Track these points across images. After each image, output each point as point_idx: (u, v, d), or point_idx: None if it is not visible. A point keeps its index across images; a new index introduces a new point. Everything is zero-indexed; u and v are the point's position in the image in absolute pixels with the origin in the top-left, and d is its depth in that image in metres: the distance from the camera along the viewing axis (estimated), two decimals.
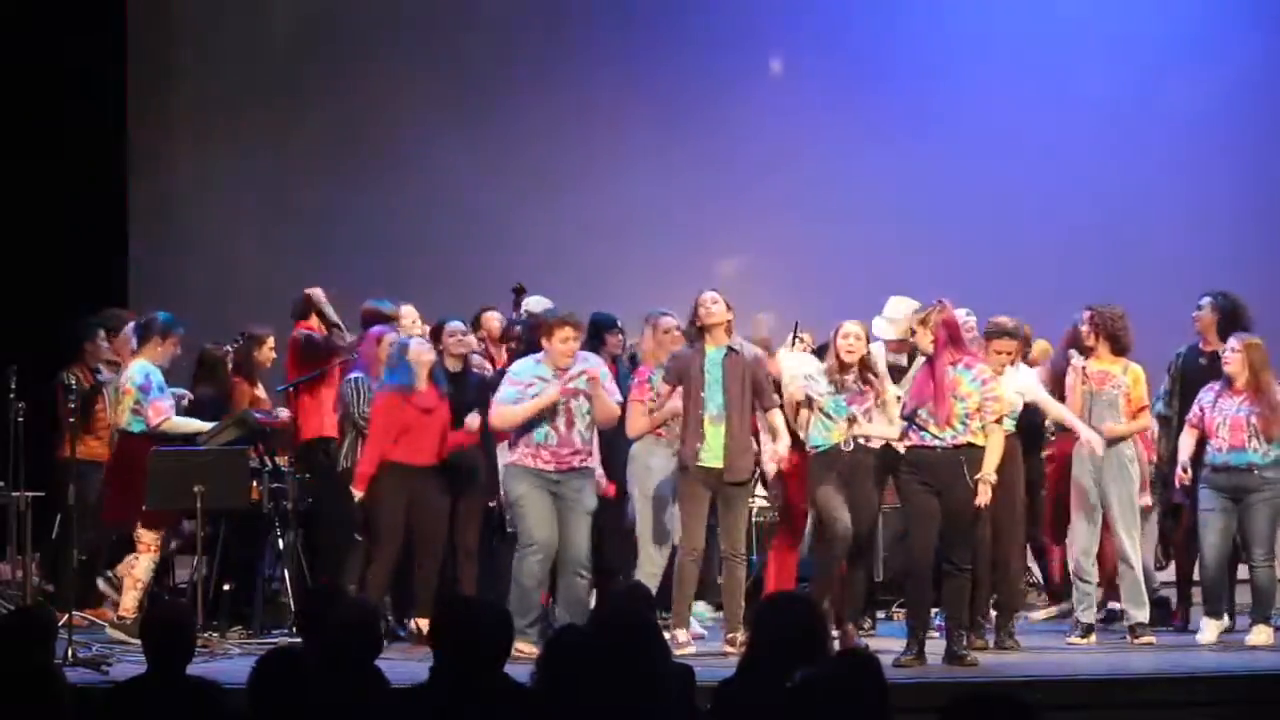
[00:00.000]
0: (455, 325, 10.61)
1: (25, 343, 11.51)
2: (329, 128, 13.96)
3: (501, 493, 10.12)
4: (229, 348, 11.23)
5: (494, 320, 11.39)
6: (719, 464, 9.64)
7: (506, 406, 9.78)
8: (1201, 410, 10.02)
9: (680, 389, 9.68)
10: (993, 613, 10.19)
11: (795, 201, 13.95)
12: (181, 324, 10.56)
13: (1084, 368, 10.05)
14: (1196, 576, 10.34)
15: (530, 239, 13.58)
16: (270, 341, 11.26)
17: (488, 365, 10.94)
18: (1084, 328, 10.15)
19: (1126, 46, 14.13)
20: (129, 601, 10.16)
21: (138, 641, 9.88)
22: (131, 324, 10.82)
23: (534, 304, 11.31)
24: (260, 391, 11.17)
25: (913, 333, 9.47)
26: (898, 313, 10.05)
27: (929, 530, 9.23)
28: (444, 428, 10.15)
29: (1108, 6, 14.23)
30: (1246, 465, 9.87)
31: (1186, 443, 10.03)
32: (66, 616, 9.47)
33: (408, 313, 11.01)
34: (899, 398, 9.42)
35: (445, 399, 10.17)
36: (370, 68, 14.04)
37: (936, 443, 9.18)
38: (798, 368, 10.08)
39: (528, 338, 10.56)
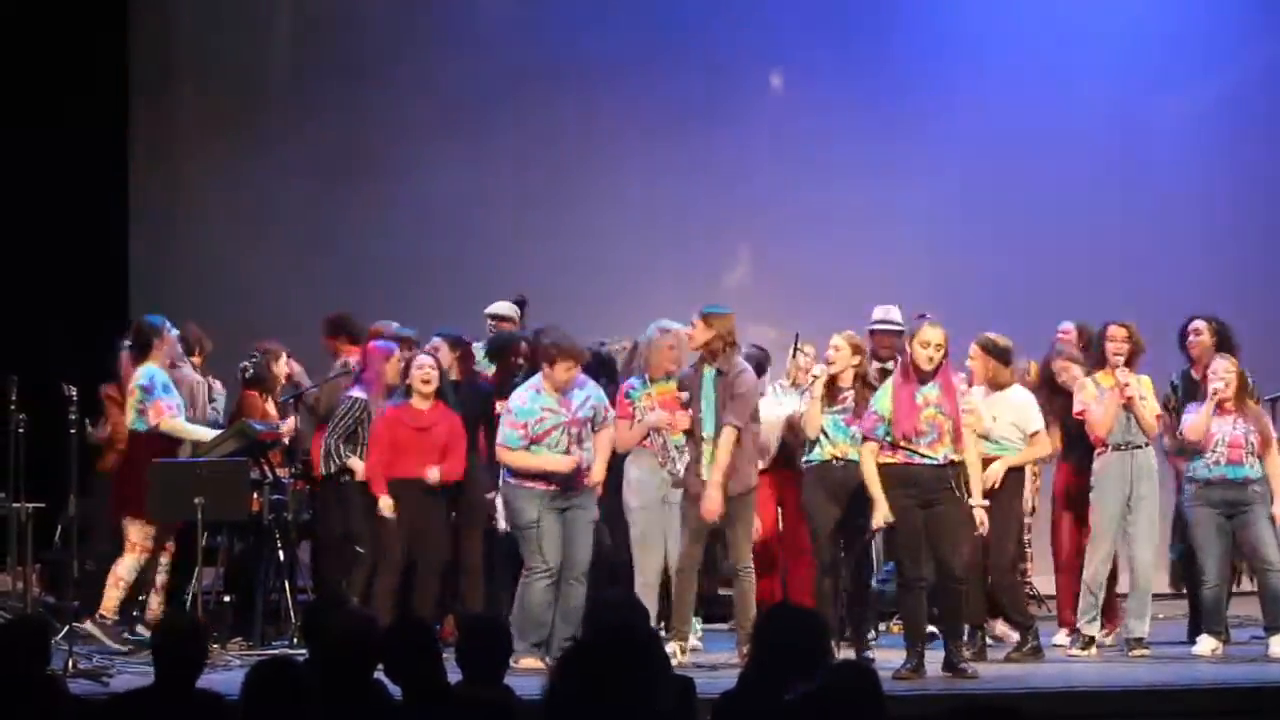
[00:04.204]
0: (423, 359, 10.21)
1: (25, 352, 11.50)
2: (329, 138, 13.96)
3: (501, 507, 10.11)
4: (245, 364, 11.18)
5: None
6: None
7: (519, 455, 9.80)
8: None
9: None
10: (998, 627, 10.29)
11: (796, 213, 13.94)
12: (163, 316, 10.62)
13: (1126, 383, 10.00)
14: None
15: (529, 253, 13.57)
16: (284, 356, 11.22)
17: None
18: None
19: (1132, 50, 14.10)
20: (109, 602, 10.12)
21: (107, 640, 9.92)
22: (125, 343, 10.76)
23: (498, 308, 11.27)
24: (270, 407, 11.15)
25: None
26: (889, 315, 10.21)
27: (919, 544, 9.23)
28: (443, 447, 10.15)
29: (1111, 11, 14.19)
30: (1243, 480, 9.88)
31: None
32: (67, 628, 9.47)
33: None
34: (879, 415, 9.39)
35: (448, 418, 10.18)
36: (371, 78, 14.04)
37: (926, 461, 9.20)
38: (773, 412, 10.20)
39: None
